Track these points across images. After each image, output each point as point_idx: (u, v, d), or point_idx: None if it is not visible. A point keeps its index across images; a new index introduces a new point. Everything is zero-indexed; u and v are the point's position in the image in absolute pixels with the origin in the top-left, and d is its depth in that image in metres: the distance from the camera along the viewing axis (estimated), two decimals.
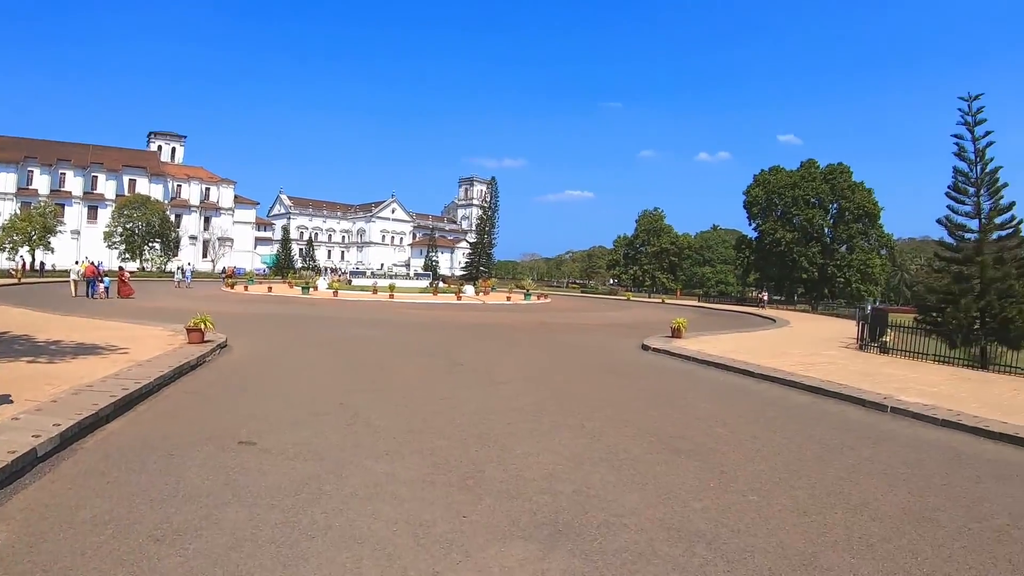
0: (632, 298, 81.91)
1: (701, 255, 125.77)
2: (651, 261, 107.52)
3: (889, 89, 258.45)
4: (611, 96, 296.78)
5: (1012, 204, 22.14)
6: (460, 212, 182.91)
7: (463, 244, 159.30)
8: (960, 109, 22.57)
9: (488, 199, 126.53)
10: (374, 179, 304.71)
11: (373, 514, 5.53)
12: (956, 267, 23.07)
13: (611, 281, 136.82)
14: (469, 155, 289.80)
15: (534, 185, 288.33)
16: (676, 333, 24.10)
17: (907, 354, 21.72)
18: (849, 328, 36.83)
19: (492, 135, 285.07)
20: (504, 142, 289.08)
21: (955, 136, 22.73)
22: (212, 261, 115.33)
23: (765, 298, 69.86)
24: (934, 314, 23.05)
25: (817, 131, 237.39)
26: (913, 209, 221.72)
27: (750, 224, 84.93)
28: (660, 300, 78.76)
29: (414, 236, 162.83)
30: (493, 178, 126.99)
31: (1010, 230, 22.34)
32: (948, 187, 23.13)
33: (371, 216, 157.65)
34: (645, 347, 20.62)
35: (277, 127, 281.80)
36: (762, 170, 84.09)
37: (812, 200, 78.55)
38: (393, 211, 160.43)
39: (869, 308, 26.82)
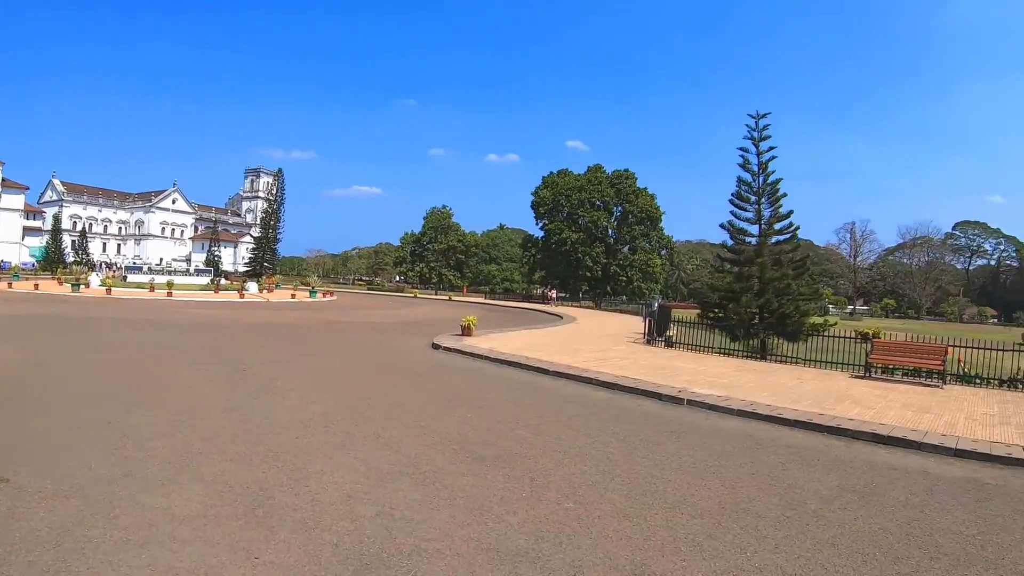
0: (419, 295, 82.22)
1: (488, 253, 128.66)
2: (438, 258, 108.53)
3: (673, 102, 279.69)
4: (406, 93, 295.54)
5: (790, 212, 24.57)
6: (245, 204, 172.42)
7: (247, 238, 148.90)
8: (748, 125, 24.69)
9: (274, 191, 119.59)
10: (155, 166, 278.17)
11: (149, 565, 4.47)
12: (738, 267, 25.05)
13: (397, 278, 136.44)
14: (257, 145, 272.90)
15: (322, 179, 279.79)
16: (466, 331, 23.81)
17: (692, 348, 23.17)
18: (634, 323, 39.01)
19: (281, 126, 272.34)
20: (294, 133, 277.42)
21: (740, 149, 24.81)
22: None
23: (554, 295, 72.33)
24: (716, 310, 24.77)
25: (603, 138, 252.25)
26: (690, 214, 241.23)
27: (537, 224, 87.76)
28: (447, 297, 79.92)
29: (196, 229, 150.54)
30: (280, 170, 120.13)
31: (788, 235, 24.84)
32: (732, 195, 25.22)
33: (151, 206, 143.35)
34: (436, 346, 20.06)
35: (50, 101, 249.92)
36: (551, 172, 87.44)
37: (598, 203, 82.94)
38: (174, 201, 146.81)
39: (656, 305, 28.05)
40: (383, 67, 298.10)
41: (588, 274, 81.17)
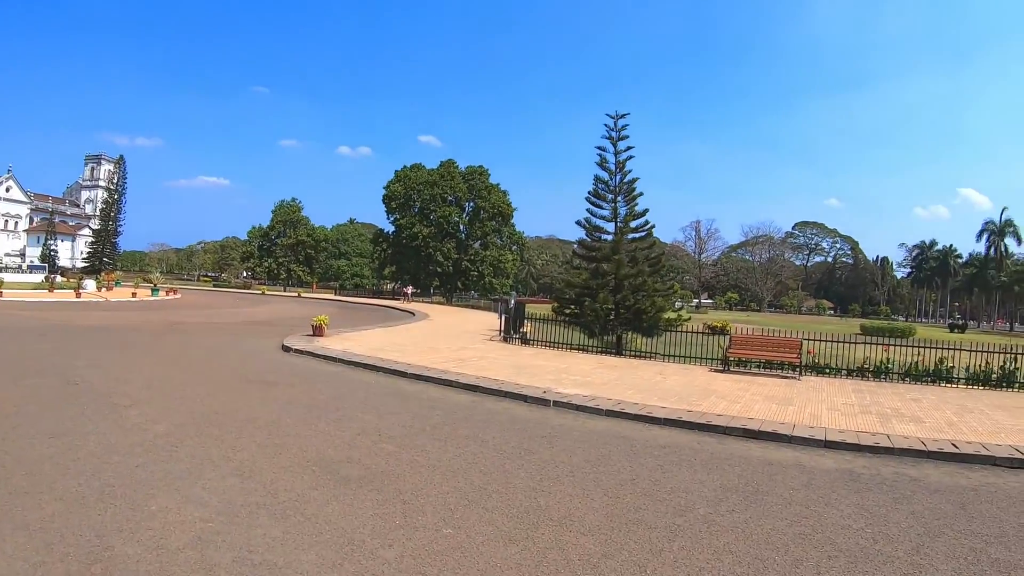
0: (267, 292, 79.04)
1: (337, 248, 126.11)
2: (287, 253, 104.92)
3: (527, 101, 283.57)
4: (259, 80, 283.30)
5: (646, 211, 25.20)
6: (85, 194, 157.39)
7: (86, 231, 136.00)
8: (606, 124, 25.15)
9: (116, 180, 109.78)
10: None
11: None
12: (594, 264, 25.35)
13: (244, 274, 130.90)
14: (98, 129, 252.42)
15: (167, 168, 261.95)
16: (318, 331, 22.79)
17: (548, 345, 23.22)
18: (489, 320, 38.92)
19: (126, 110, 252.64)
20: (139, 118, 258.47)
21: (598, 148, 25.30)
22: None
23: (409, 292, 71.20)
24: (573, 307, 24.97)
25: (456, 134, 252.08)
26: (540, 211, 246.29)
27: (389, 218, 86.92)
28: (296, 294, 77.24)
29: (31, 220, 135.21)
30: (121, 156, 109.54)
31: (643, 233, 25.48)
32: (589, 192, 25.57)
33: None
34: (287, 348, 18.82)
35: None
36: (404, 166, 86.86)
37: (450, 198, 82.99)
38: (8, 190, 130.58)
39: (513, 301, 27.93)
40: (236, 52, 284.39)
41: (439, 269, 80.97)
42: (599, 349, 22.93)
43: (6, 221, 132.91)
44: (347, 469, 7.21)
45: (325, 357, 17.02)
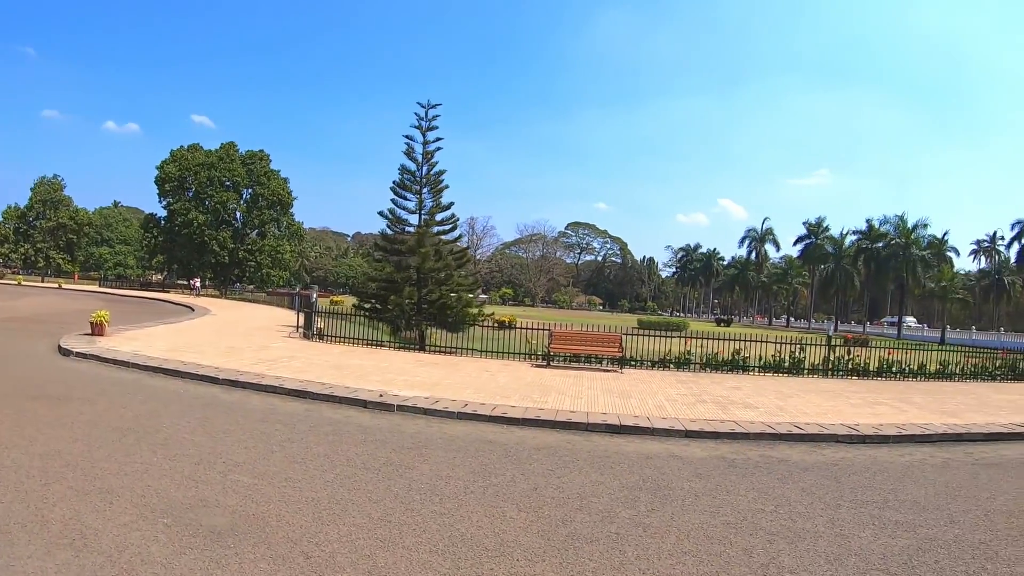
0: (24, 282, 71.35)
1: (100, 234, 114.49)
2: (46, 238, 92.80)
3: (315, 92, 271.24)
4: (27, 39, 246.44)
5: (451, 204, 24.87)
6: None
7: None
8: (417, 114, 24.37)
9: None
10: None
11: None
12: (398, 257, 24.53)
13: None
14: None
15: None
16: (98, 329, 19.49)
17: (349, 341, 21.90)
18: (274, 314, 37.37)
19: None
20: None
21: (406, 137, 24.45)
22: None
23: (198, 284, 64.71)
24: (374, 301, 24.26)
25: (233, 118, 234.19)
26: (313, 201, 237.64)
27: (161, 202, 78.58)
28: (57, 285, 70.09)
29: None
30: None
31: (449, 226, 25.16)
32: (395, 183, 24.75)
33: None
34: (66, 351, 15.67)
35: None
36: (181, 146, 78.92)
37: (228, 183, 77.23)
38: None
39: (314, 296, 26.44)
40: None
41: (215, 260, 75.52)
42: (397, 345, 22.12)
43: None
44: (209, 517, 5.41)
45: (116, 362, 14.46)
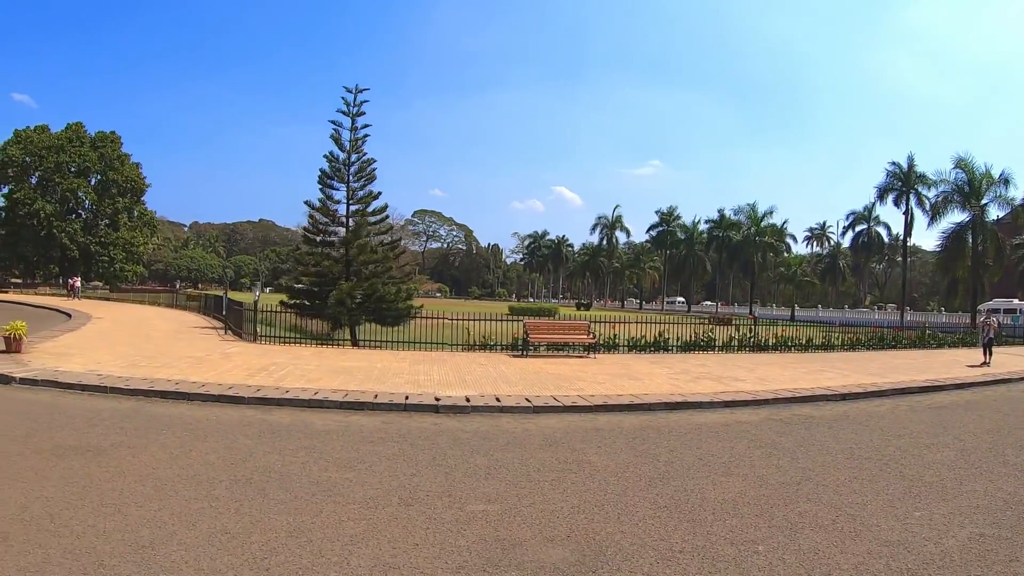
0: None
1: None
2: None
3: (142, 74, 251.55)
4: None
5: (380, 193, 25.17)
6: None
7: None
8: (344, 99, 24.43)
9: None
10: None
11: None
12: (327, 249, 24.93)
13: None
14: None
15: None
16: (16, 345, 16.45)
17: (280, 340, 21.37)
18: (167, 313, 36.56)
19: None
20: None
21: (333, 123, 24.42)
22: None
23: (78, 284, 58.39)
24: (303, 298, 24.42)
25: (59, 97, 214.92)
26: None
27: (0, 189, 71.82)
28: None
29: None
30: None
31: (381, 216, 25.50)
32: (322, 171, 24.66)
33: None
34: (4, 379, 12.70)
35: None
36: (27, 127, 71.76)
37: (73, 168, 71.46)
38: None
39: (257, 292, 26.23)
40: None
41: (65, 254, 69.97)
42: (319, 341, 22.11)
43: None
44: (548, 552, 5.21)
45: (84, 387, 12.13)
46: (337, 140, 24.40)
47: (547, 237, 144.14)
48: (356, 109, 24.33)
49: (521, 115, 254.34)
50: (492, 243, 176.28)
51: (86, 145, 72.43)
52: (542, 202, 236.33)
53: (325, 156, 24.62)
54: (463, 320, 21.92)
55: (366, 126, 24.64)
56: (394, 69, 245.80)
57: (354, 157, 24.51)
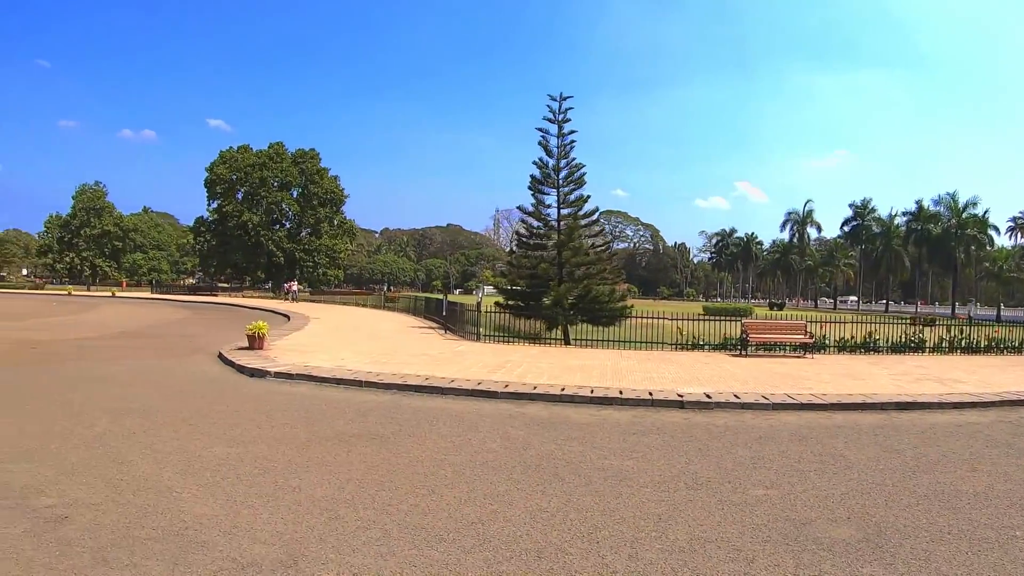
0: (73, 292, 71.32)
1: (132, 240, 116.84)
2: (91, 246, 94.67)
3: (321, 88, 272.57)
4: (41, 52, 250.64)
5: (589, 196, 25.44)
6: None
7: None
8: (548, 106, 25.00)
9: None
10: None
11: None
12: (540, 251, 25.50)
13: (25, 271, 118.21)
14: None
15: None
16: (256, 342, 17.65)
17: (499, 339, 22.18)
18: (379, 314, 38.27)
19: None
20: None
21: (540, 130, 25.08)
22: None
23: (295, 287, 61.97)
24: (519, 299, 25.02)
25: (248, 120, 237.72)
26: None
27: (211, 204, 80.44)
28: (111, 293, 70.64)
29: None
30: None
31: (591, 219, 26.19)
32: (533, 178, 25.30)
33: None
34: (257, 372, 13.98)
35: None
36: (230, 147, 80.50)
37: (278, 182, 78.53)
38: None
39: (480, 294, 27.43)
40: (16, 16, 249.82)
41: (272, 260, 76.76)
42: (530, 340, 22.64)
43: None
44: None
45: (338, 381, 12.97)
46: (545, 147, 25.10)
47: (735, 235, 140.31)
48: (562, 116, 24.88)
49: (697, 110, 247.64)
50: (678, 242, 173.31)
51: (287, 161, 79.80)
52: (726, 199, 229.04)
53: (535, 162, 25.34)
54: (670, 320, 21.79)
55: (572, 132, 25.11)
56: (567, 71, 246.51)
57: (563, 163, 25.00)
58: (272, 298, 62.92)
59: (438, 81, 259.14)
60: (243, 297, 65.30)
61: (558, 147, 25.02)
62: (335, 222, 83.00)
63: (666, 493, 6.46)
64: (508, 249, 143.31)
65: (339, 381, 13.03)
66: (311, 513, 5.70)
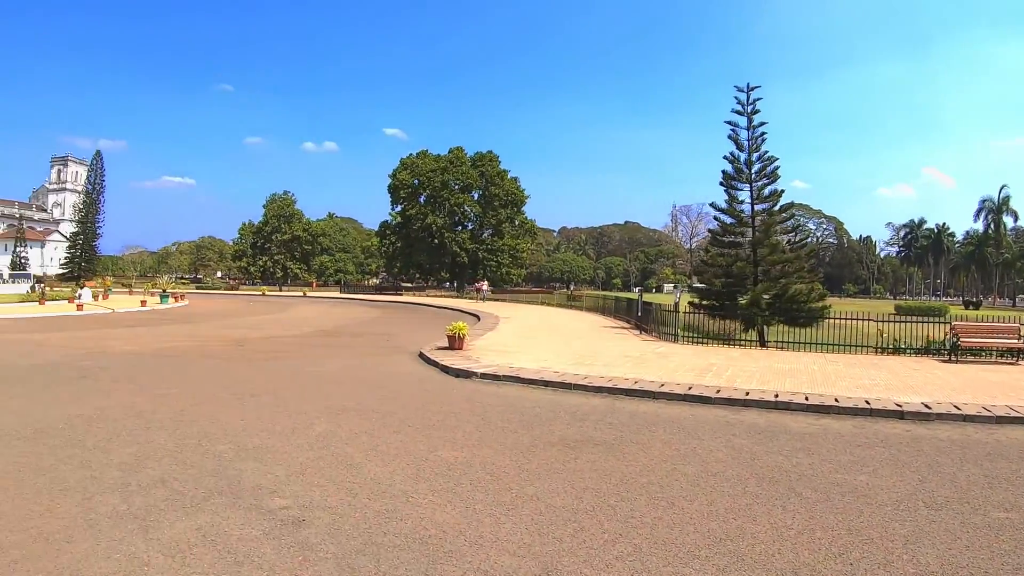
0: (267, 292, 76.98)
1: (319, 243, 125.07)
2: (282, 250, 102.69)
3: (489, 91, 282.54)
4: (224, 78, 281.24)
5: (783, 191, 24.32)
6: (52, 198, 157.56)
7: (56, 236, 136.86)
8: (736, 98, 24.18)
9: (92, 179, 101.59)
10: None
11: None
12: (733, 250, 24.75)
13: (219, 274, 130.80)
14: (59, 131, 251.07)
15: (130, 170, 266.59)
16: (456, 342, 18.21)
17: (695, 340, 21.73)
18: (567, 314, 38.11)
19: (87, 111, 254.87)
20: (101, 120, 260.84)
21: (729, 123, 24.35)
22: None
23: (485, 287, 63.10)
24: (713, 299, 24.24)
25: (422, 127, 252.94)
26: None
27: (394, 208, 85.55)
28: (302, 293, 75.61)
29: None
30: (98, 153, 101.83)
31: (786, 215, 24.83)
32: (725, 173, 24.55)
33: None
34: (462, 372, 14.32)
35: None
36: (410, 154, 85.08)
37: (457, 185, 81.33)
38: None
39: (678, 294, 27.18)
40: (202, 49, 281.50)
41: (456, 260, 79.58)
42: (722, 341, 21.94)
43: None
44: None
45: (546, 383, 13.04)
46: (736, 140, 24.43)
47: (924, 226, 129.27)
48: (751, 107, 24.01)
49: (874, 92, 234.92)
50: (863, 235, 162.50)
51: (466, 165, 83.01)
52: (911, 186, 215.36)
53: (725, 157, 24.68)
54: (864, 320, 20.67)
55: (762, 124, 24.15)
56: (734, 58, 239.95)
57: (755, 157, 24.13)
58: (455, 297, 65.24)
59: (608, 78, 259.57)
60: (427, 296, 68.08)
61: (749, 140, 24.20)
62: (516, 222, 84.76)
63: (907, 512, 6.16)
64: (687, 247, 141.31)
65: (547, 383, 13.11)
66: (555, 524, 5.66)
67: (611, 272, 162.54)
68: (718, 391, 12.02)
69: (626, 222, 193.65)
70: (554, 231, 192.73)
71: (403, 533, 5.43)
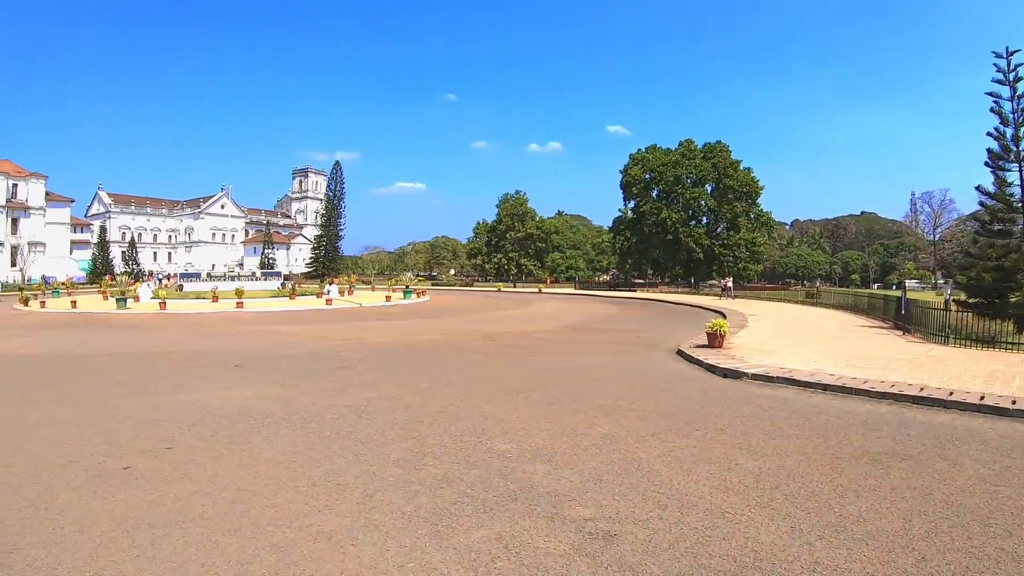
0: (503, 288, 79.85)
1: (552, 241, 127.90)
2: (515, 248, 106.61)
3: (689, 80, 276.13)
4: (448, 88, 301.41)
5: None
6: (295, 206, 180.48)
7: (300, 239, 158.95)
8: (996, 65, 21.85)
9: (334, 187, 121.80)
10: (200, 172, 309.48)
11: None
12: (1005, 239, 22.33)
13: (452, 272, 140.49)
14: (300, 147, 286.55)
15: (364, 178, 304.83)
16: (716, 340, 18.03)
17: (966, 343, 19.48)
18: (808, 311, 36.84)
19: (325, 128, 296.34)
20: (337, 134, 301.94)
21: (991, 94, 22.06)
22: (21, 270, 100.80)
23: (730, 284, 62.41)
24: (982, 296, 22.44)
25: (644, 122, 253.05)
26: None
27: (627, 204, 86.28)
28: (537, 289, 78.04)
29: (247, 233, 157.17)
30: (337, 163, 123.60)
31: None
32: (990, 151, 22.35)
33: (199, 212, 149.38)
34: (731, 373, 14.21)
35: (93, 112, 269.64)
36: (639, 149, 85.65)
37: (690, 178, 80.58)
38: (223, 206, 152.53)
39: (948, 291, 25.31)
40: (425, 64, 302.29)
41: (692, 256, 78.57)
42: (981, 344, 19.20)
43: (224, 235, 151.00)
44: None
45: (824, 387, 12.59)
46: (1000, 113, 22.09)
47: None
48: (1014, 75, 21.70)
49: None
50: None
51: (698, 157, 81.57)
52: None
53: (989, 133, 22.47)
54: None
55: None
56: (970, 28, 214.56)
57: (1023, 131, 21.71)
58: (691, 294, 64.66)
59: (832, 57, 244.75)
60: (661, 292, 67.72)
61: (1014, 112, 21.84)
62: (751, 215, 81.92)
63: None
64: (931, 238, 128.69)
65: (825, 387, 12.72)
66: (893, 551, 5.26)
67: (848, 267, 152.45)
68: (1013, 402, 11.04)
69: (863, 213, 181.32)
70: (786, 224, 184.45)
71: (730, 555, 5.15)
